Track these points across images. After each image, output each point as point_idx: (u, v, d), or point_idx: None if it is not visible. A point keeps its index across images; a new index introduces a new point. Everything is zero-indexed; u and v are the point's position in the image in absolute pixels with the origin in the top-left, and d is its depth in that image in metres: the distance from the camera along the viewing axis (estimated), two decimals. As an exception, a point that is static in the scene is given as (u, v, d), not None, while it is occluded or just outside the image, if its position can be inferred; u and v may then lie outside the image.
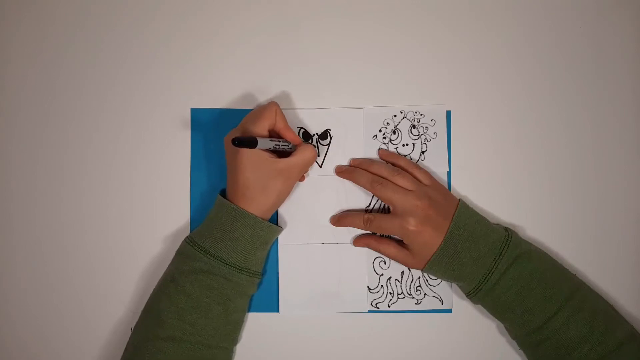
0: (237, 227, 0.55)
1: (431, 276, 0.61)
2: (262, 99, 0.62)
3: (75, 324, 0.61)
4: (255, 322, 0.61)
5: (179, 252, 0.57)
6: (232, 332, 0.58)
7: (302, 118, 0.62)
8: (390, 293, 0.61)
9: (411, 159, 0.62)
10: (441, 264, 0.56)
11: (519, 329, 0.56)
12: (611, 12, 0.63)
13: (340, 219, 0.60)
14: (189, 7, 0.63)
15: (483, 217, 0.58)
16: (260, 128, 0.55)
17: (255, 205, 0.55)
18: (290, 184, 0.57)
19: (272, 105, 0.57)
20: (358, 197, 0.62)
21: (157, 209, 0.62)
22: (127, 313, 0.61)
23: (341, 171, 0.61)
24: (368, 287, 0.61)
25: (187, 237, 0.57)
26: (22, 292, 0.61)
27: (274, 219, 0.61)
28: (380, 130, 0.62)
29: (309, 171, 0.62)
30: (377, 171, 0.59)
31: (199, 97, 0.62)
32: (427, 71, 0.63)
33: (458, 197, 0.60)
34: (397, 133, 0.62)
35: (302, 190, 0.62)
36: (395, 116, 0.63)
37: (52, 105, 0.62)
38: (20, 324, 0.61)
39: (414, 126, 0.62)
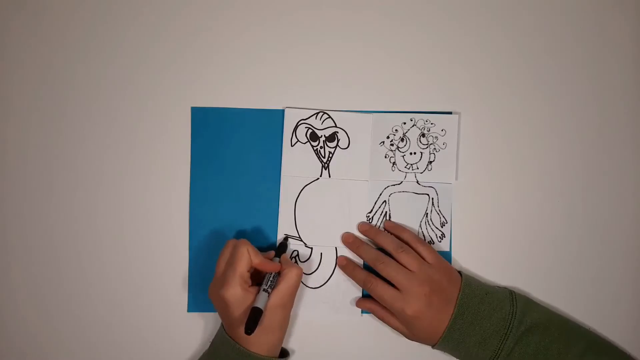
0: None
1: None
2: (267, 98, 0.61)
3: (70, 324, 0.61)
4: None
5: None
6: None
7: (310, 118, 0.60)
8: (385, 299, 0.62)
9: (417, 168, 0.60)
10: (447, 348, 0.57)
11: None
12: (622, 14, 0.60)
13: (347, 265, 0.60)
14: (189, 5, 0.61)
15: (486, 293, 0.57)
16: (240, 273, 0.54)
17: (261, 346, 0.54)
18: (288, 312, 0.56)
19: (242, 246, 0.55)
20: (360, 201, 0.61)
21: (157, 207, 0.61)
22: (116, 312, 0.62)
23: (349, 242, 0.61)
24: (364, 291, 0.62)
25: None
26: (24, 293, 0.62)
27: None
28: (388, 137, 0.60)
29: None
30: (382, 243, 0.59)
31: (200, 96, 0.61)
32: (440, 79, 0.61)
33: (459, 270, 0.59)
34: (405, 141, 0.60)
35: (304, 192, 0.61)
36: (404, 123, 0.60)
37: (51, 104, 0.61)
38: (29, 323, 0.62)
39: (423, 135, 0.60)
